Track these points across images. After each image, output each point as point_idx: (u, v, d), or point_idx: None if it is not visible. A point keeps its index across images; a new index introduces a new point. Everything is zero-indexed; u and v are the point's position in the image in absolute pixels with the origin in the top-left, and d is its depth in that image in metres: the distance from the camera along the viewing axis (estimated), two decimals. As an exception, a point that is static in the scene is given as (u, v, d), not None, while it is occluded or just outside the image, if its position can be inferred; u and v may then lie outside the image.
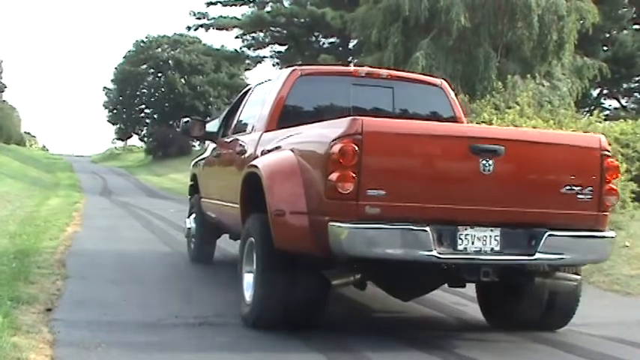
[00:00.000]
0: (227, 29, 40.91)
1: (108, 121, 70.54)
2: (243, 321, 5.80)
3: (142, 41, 66.96)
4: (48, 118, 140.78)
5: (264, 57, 42.86)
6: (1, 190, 20.66)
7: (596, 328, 6.37)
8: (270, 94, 7.05)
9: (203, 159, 9.28)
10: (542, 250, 5.18)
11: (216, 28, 41.25)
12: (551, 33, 21.92)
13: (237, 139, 7.47)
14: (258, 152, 6.42)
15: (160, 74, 66.27)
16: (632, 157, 12.11)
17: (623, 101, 37.35)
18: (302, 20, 38.45)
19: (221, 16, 40.89)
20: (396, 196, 4.99)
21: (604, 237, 5.45)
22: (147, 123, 67.70)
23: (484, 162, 5.08)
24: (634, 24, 34.79)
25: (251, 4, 41.26)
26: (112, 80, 68.89)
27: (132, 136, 71.72)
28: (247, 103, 7.96)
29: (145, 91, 67.80)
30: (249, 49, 42.38)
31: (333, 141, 5.01)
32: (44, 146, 71.97)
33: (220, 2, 40.82)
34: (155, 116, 66.76)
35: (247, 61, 45.13)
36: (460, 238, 5.09)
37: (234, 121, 8.10)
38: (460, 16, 21.55)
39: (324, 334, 5.56)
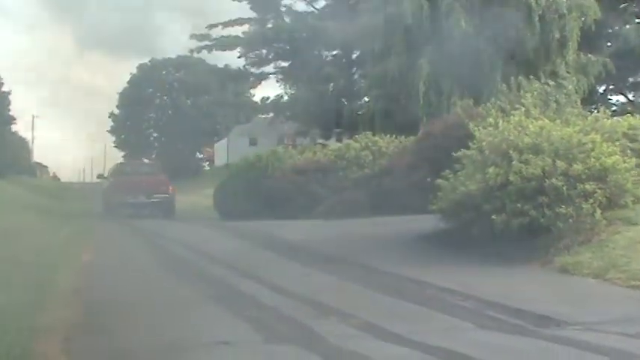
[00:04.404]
0: (230, 49, 41.04)
1: (115, 146, 70.69)
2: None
3: (146, 65, 67.21)
4: (58, 146, 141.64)
5: (269, 73, 42.98)
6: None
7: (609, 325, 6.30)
8: (113, 166, 33.85)
9: (105, 180, 31.22)
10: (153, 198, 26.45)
11: (219, 49, 41.39)
12: (553, 31, 21.95)
13: (107, 178, 30.45)
14: (108, 181, 29.36)
15: (165, 97, 66.53)
16: (641, 151, 11.94)
17: (630, 95, 37.19)
18: (303, 35, 38.46)
19: (223, 36, 40.97)
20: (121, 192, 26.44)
21: (170, 197, 26.63)
22: (155, 146, 67.81)
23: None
24: (637, 17, 34.68)
25: (252, 22, 41.33)
26: (117, 106, 69.02)
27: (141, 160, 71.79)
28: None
29: (152, 115, 67.98)
30: (252, 66, 42.46)
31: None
32: (55, 174, 71.97)
33: (221, 24, 40.84)
34: (163, 139, 66.85)
35: (252, 79, 45.17)
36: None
37: (110, 172, 31.20)
38: (461, 21, 21.59)
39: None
